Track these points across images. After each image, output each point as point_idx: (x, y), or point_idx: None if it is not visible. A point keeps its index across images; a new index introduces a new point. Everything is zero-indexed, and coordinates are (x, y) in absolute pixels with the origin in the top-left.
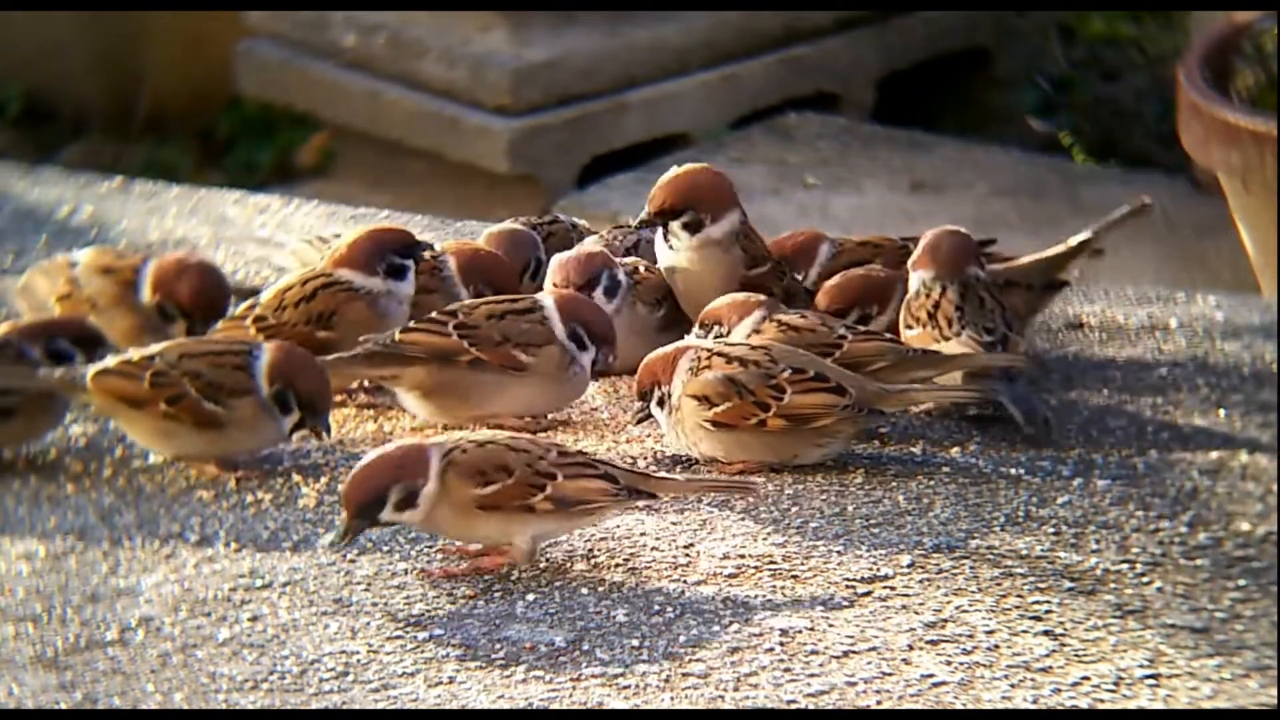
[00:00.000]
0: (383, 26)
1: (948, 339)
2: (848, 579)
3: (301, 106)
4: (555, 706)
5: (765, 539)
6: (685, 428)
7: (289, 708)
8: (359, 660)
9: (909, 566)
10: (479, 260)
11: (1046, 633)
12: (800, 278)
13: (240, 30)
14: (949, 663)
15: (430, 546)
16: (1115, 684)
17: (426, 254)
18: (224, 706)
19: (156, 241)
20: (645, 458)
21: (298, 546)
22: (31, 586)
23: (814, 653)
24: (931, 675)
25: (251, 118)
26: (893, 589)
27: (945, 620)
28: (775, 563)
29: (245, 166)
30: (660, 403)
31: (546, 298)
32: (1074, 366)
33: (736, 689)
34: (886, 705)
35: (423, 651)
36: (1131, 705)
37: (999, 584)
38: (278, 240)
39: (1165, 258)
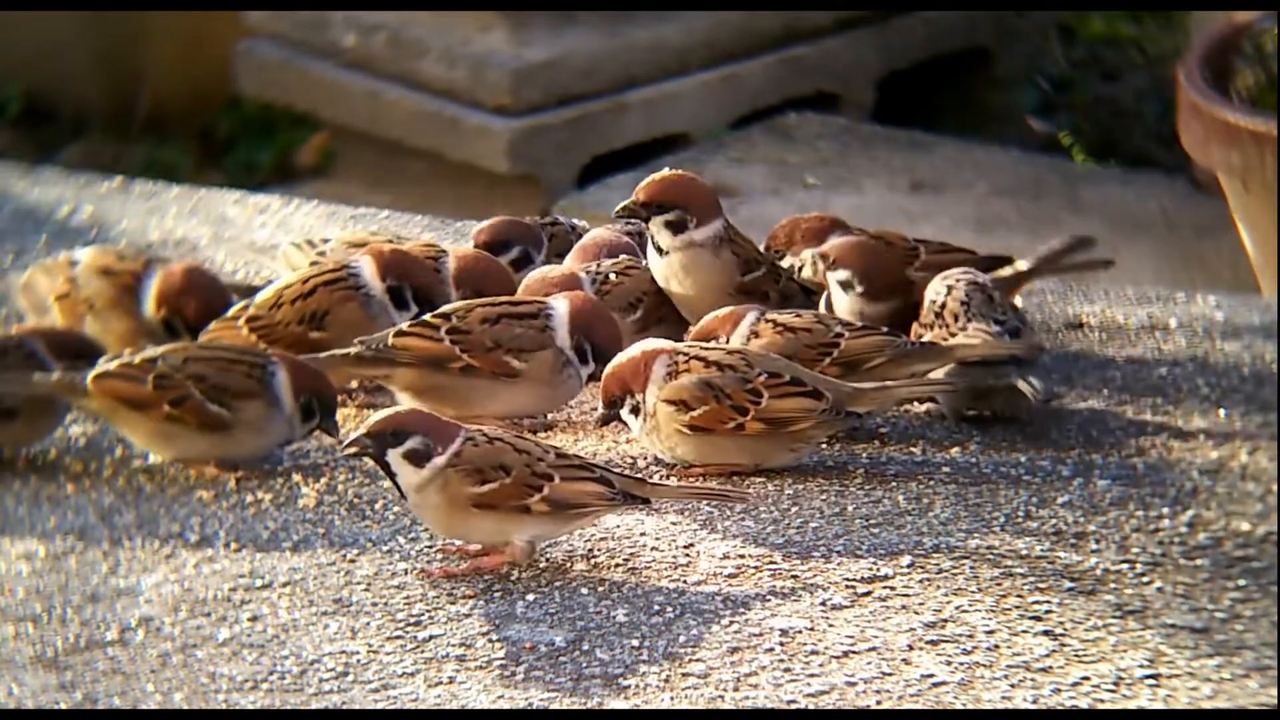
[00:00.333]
0: (383, 26)
1: (954, 335)
2: (848, 579)
3: (301, 106)
4: (555, 706)
5: (765, 539)
6: (661, 433)
7: (289, 708)
8: (359, 660)
9: (909, 566)
10: (473, 266)
11: (1046, 633)
12: (800, 265)
13: (240, 30)
14: (949, 663)
15: (430, 546)
16: (1115, 684)
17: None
18: (224, 706)
19: (157, 241)
20: (644, 458)
21: (298, 546)
22: (31, 586)
23: (814, 653)
24: (931, 675)
25: (251, 118)
26: (893, 589)
27: (945, 620)
28: (775, 563)
29: (245, 166)
30: (634, 410)
31: (560, 303)
32: (1074, 366)
33: (736, 689)
34: (886, 705)
35: (423, 651)
36: (1131, 705)
37: (999, 584)
38: (274, 241)
39: (1165, 258)
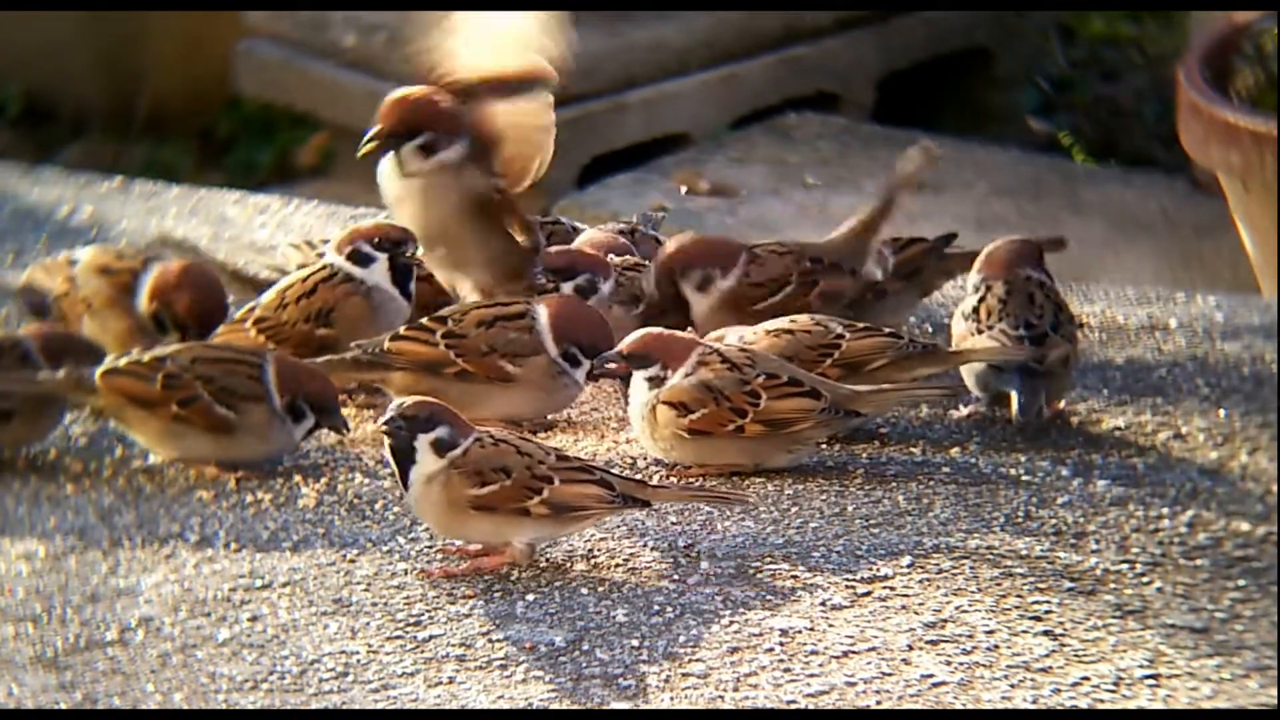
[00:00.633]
0: (383, 26)
1: (982, 332)
2: (848, 579)
3: (301, 106)
4: (555, 706)
5: (765, 539)
6: (660, 435)
7: (289, 708)
8: (359, 660)
9: (909, 566)
10: None
11: (1046, 633)
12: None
13: (240, 30)
14: (949, 663)
15: (430, 546)
16: (1115, 684)
17: (409, 253)
18: (224, 706)
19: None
20: (644, 458)
21: (298, 546)
22: (31, 586)
23: (814, 653)
24: (931, 675)
25: (251, 118)
26: (893, 589)
27: (945, 620)
28: (775, 563)
29: (245, 166)
30: (651, 381)
31: (540, 307)
32: (1074, 367)
33: (736, 689)
34: (886, 705)
35: (423, 651)
36: (1131, 705)
37: (999, 584)
38: (274, 241)
39: (1165, 258)
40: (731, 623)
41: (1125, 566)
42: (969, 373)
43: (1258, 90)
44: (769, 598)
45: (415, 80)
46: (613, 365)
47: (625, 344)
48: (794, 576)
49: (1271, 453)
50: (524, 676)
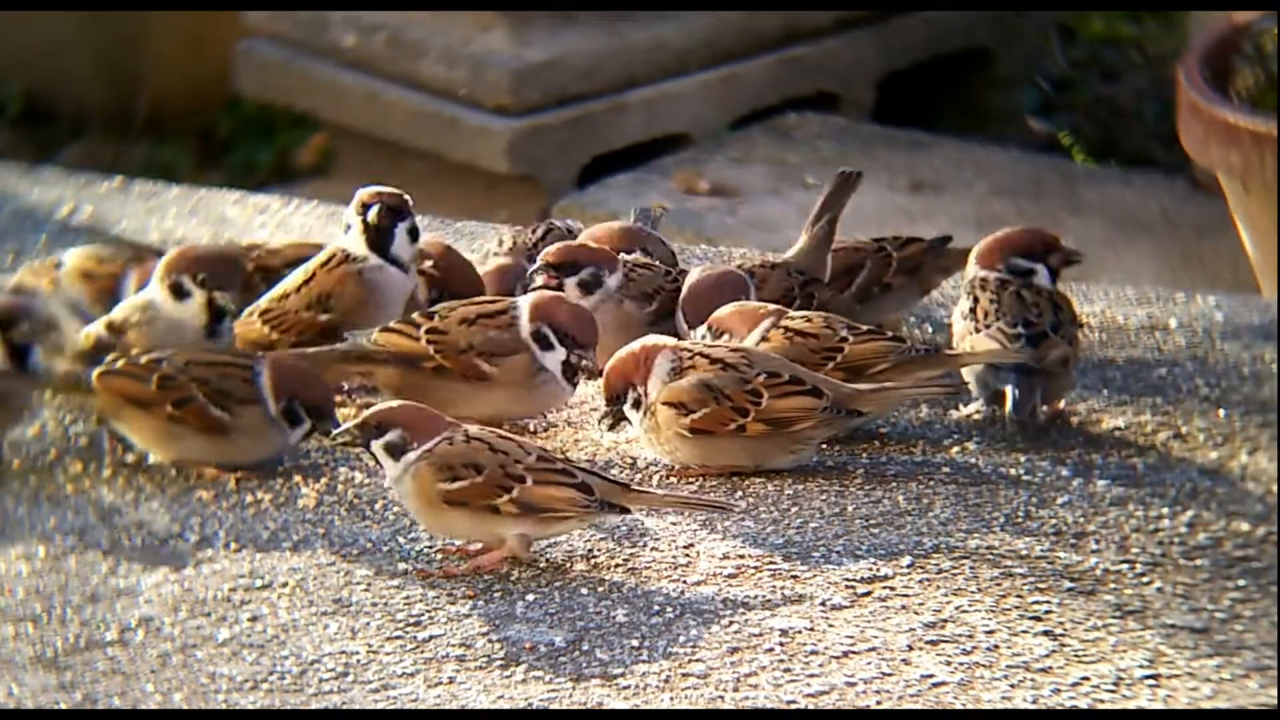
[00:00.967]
0: (383, 26)
1: (979, 331)
2: (848, 579)
3: (301, 106)
4: (555, 706)
5: (765, 539)
6: (662, 435)
7: (289, 708)
8: (359, 660)
9: (909, 566)
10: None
11: (1046, 633)
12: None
13: (240, 30)
14: (949, 663)
15: (431, 546)
16: (1115, 684)
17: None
18: (224, 706)
19: (157, 241)
20: (645, 458)
21: (298, 546)
22: (31, 586)
23: (814, 653)
24: (931, 675)
25: (251, 118)
26: (893, 589)
27: (945, 620)
28: (775, 563)
29: (245, 166)
30: (636, 404)
31: (523, 299)
32: (1075, 367)
33: (736, 689)
34: (886, 705)
35: (423, 651)
36: (1131, 705)
37: (999, 584)
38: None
39: (1165, 258)
40: (731, 623)
41: (1125, 566)
42: (968, 372)
43: (1258, 90)
44: (769, 598)
45: None
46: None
47: (603, 392)
48: (794, 576)
49: (1271, 453)
50: (524, 676)
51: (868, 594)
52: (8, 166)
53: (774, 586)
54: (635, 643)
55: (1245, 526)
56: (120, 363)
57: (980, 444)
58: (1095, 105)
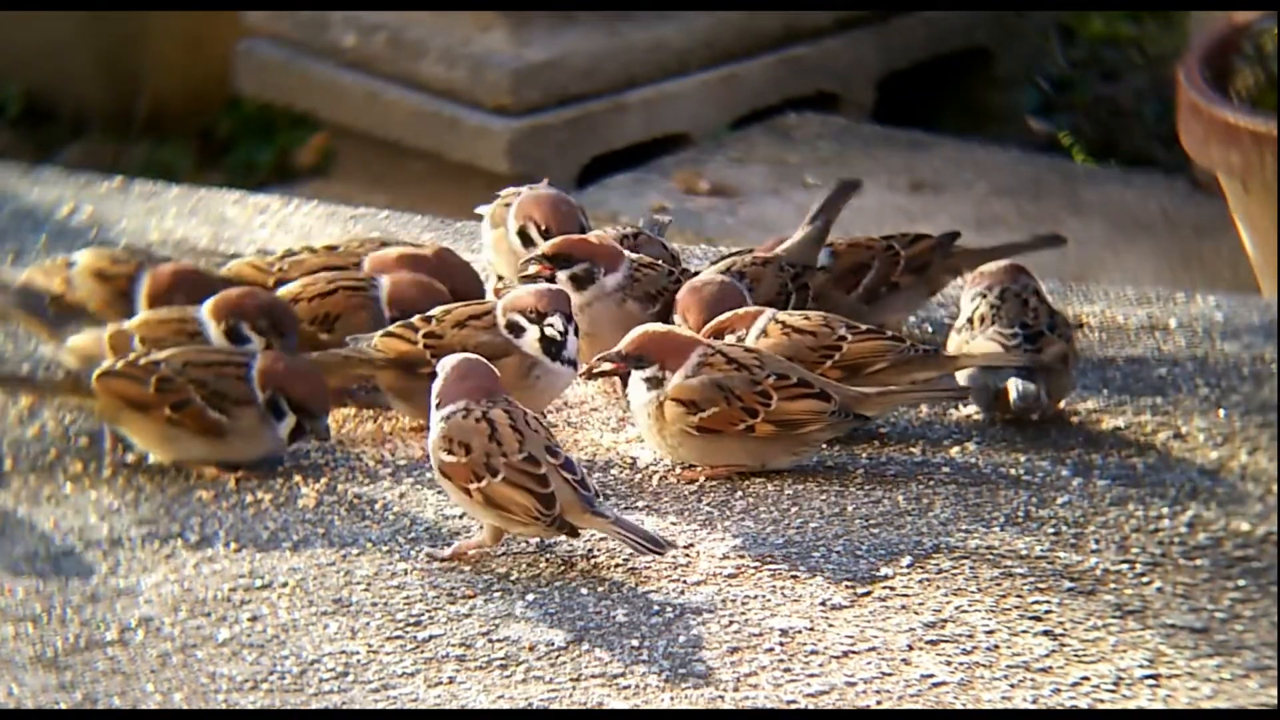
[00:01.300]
0: (383, 26)
1: (976, 336)
2: (848, 579)
3: (301, 106)
4: (555, 706)
5: (765, 539)
6: (667, 431)
7: (289, 708)
8: (359, 660)
9: (909, 566)
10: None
11: (1046, 633)
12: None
13: (240, 30)
14: (949, 663)
15: (431, 546)
16: (1115, 684)
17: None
18: (224, 706)
19: (156, 241)
20: (645, 458)
21: (298, 546)
22: (31, 586)
23: (814, 653)
24: (931, 675)
25: (251, 118)
26: (893, 589)
27: (945, 620)
28: (775, 563)
29: (245, 166)
30: (650, 381)
31: (497, 299)
32: (1074, 367)
33: (736, 689)
34: (886, 705)
35: (423, 651)
36: (1131, 705)
37: (999, 584)
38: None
39: (1165, 258)
40: (731, 623)
41: (1125, 566)
42: (965, 377)
43: (1258, 90)
44: (769, 598)
45: None
46: (609, 365)
47: (624, 343)
48: (794, 576)
49: (1271, 453)
50: (524, 676)
51: (868, 594)
52: (8, 166)
53: (774, 586)
54: (635, 643)
55: (1245, 526)
56: (120, 364)
57: (980, 444)
58: (1095, 105)
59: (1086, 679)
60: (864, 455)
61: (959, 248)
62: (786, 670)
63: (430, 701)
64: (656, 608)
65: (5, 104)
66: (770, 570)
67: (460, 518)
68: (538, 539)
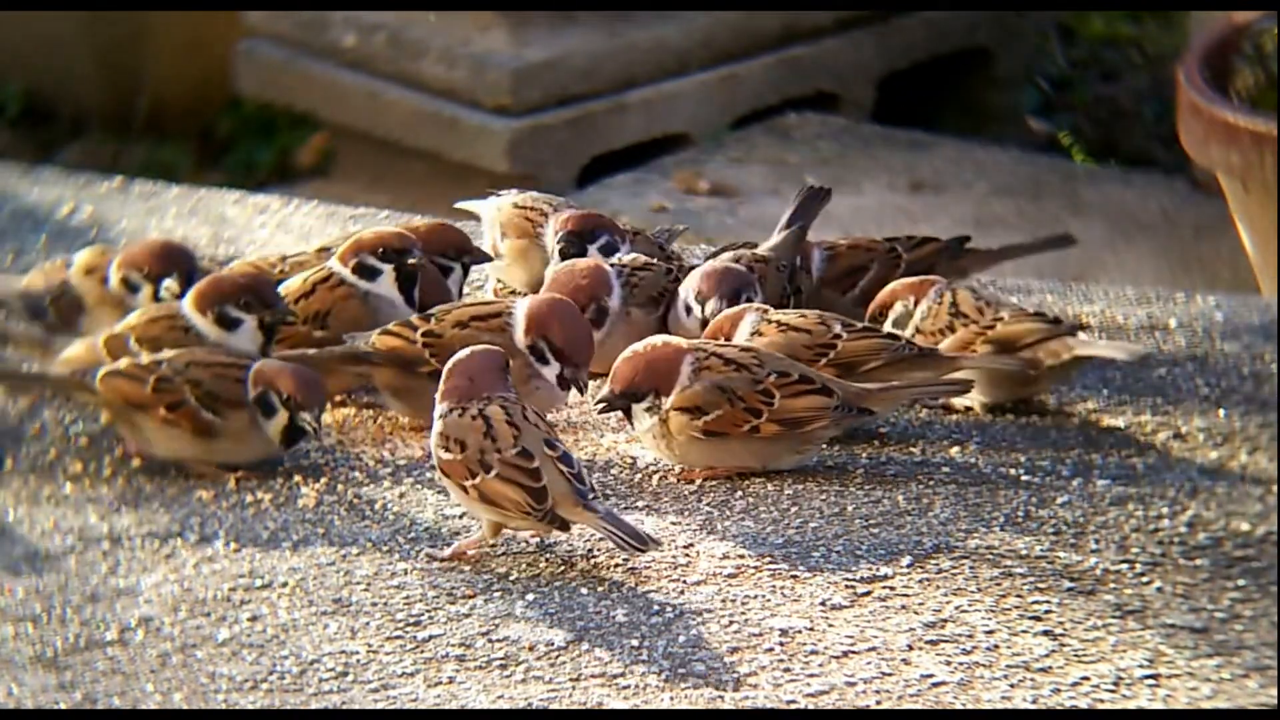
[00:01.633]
0: (383, 26)
1: (993, 325)
2: (848, 579)
3: (301, 106)
4: (555, 706)
5: (765, 539)
6: (674, 441)
7: (289, 708)
8: (359, 660)
9: (909, 566)
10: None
11: (1046, 633)
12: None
13: (240, 30)
14: (949, 663)
15: (431, 546)
16: (1115, 684)
17: (412, 260)
18: (224, 706)
19: None
20: (643, 459)
21: (297, 546)
22: (31, 586)
23: (814, 653)
24: (931, 675)
25: (251, 118)
26: (893, 589)
27: (945, 620)
28: (775, 563)
29: (245, 166)
30: (650, 410)
31: (521, 302)
32: (1074, 366)
33: (736, 689)
34: (886, 705)
35: (423, 651)
36: (1131, 705)
37: (999, 584)
38: (274, 241)
39: (1165, 258)
40: (731, 623)
41: (1125, 566)
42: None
43: (1258, 90)
44: (769, 598)
45: None
46: (613, 406)
47: (613, 380)
48: (794, 576)
49: (1271, 453)
50: (524, 676)
51: (868, 594)
52: (8, 166)
53: (774, 586)
54: (635, 643)
55: (1245, 526)
56: (124, 364)
57: (980, 444)
58: (1095, 105)
59: (1086, 679)
60: (864, 455)
61: (968, 250)
62: (786, 670)
63: (430, 701)
64: (656, 608)
65: (5, 104)
66: (770, 570)
67: (460, 517)
68: (537, 538)
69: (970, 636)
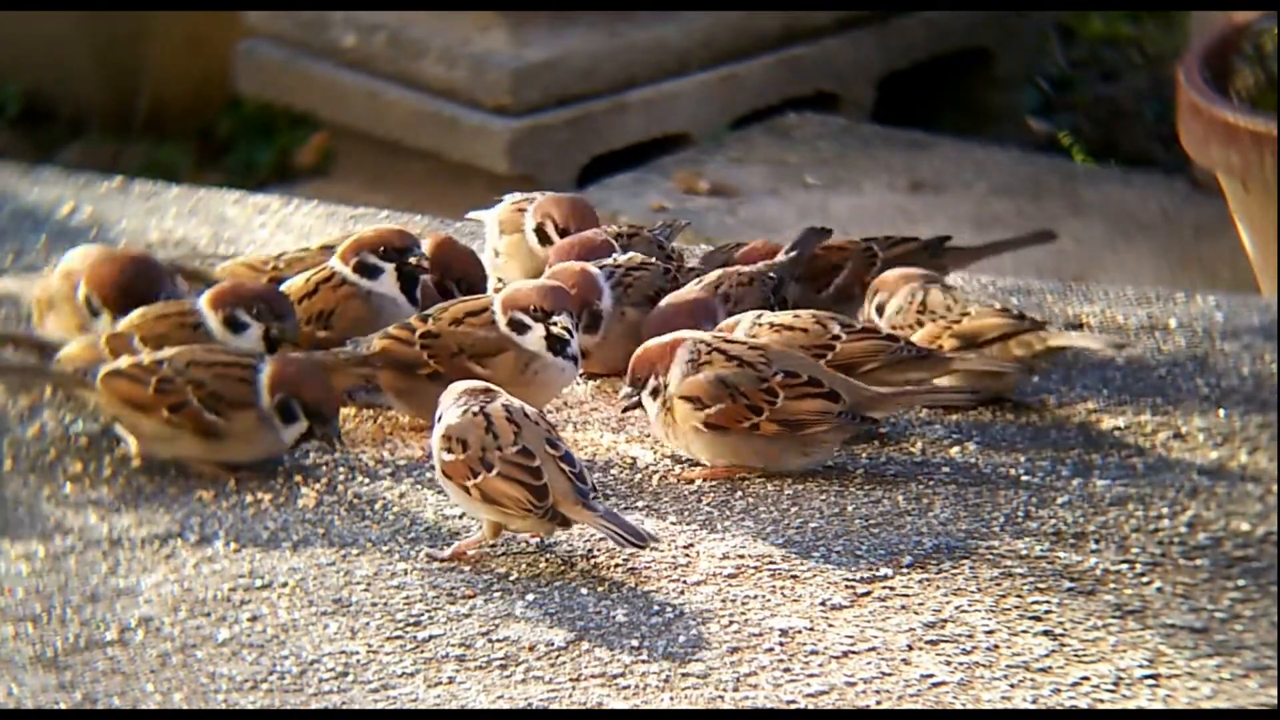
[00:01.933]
0: (383, 26)
1: (958, 321)
2: (848, 579)
3: (301, 106)
4: (555, 706)
5: (765, 539)
6: (679, 430)
7: (289, 708)
8: (359, 660)
9: (909, 566)
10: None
11: (1046, 633)
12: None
13: (240, 30)
14: (949, 663)
15: (431, 546)
16: (1115, 684)
17: (413, 259)
18: (224, 706)
19: (156, 242)
20: (643, 458)
21: (297, 546)
22: (31, 586)
23: (814, 653)
24: (931, 675)
25: (251, 118)
26: (893, 589)
27: (945, 620)
28: (775, 563)
29: (245, 166)
30: (654, 393)
31: (497, 296)
32: (1074, 366)
33: (736, 689)
34: (886, 705)
35: (423, 651)
36: (1131, 705)
37: (999, 584)
38: (274, 241)
39: (1165, 258)
40: (731, 623)
41: (1125, 566)
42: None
43: (1258, 90)
44: (769, 598)
45: None
46: (628, 400)
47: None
48: (794, 576)
49: (1271, 453)
50: (524, 676)
51: (868, 594)
52: (7, 166)
53: (774, 586)
54: (635, 643)
55: (1245, 526)
56: (126, 364)
57: (980, 444)
58: (1095, 105)
59: (1086, 679)
60: (864, 455)
61: (949, 248)
62: (786, 670)
63: (430, 701)
64: (656, 608)
65: (5, 104)
66: (770, 570)
67: (460, 518)
68: (537, 538)
69: (970, 636)
